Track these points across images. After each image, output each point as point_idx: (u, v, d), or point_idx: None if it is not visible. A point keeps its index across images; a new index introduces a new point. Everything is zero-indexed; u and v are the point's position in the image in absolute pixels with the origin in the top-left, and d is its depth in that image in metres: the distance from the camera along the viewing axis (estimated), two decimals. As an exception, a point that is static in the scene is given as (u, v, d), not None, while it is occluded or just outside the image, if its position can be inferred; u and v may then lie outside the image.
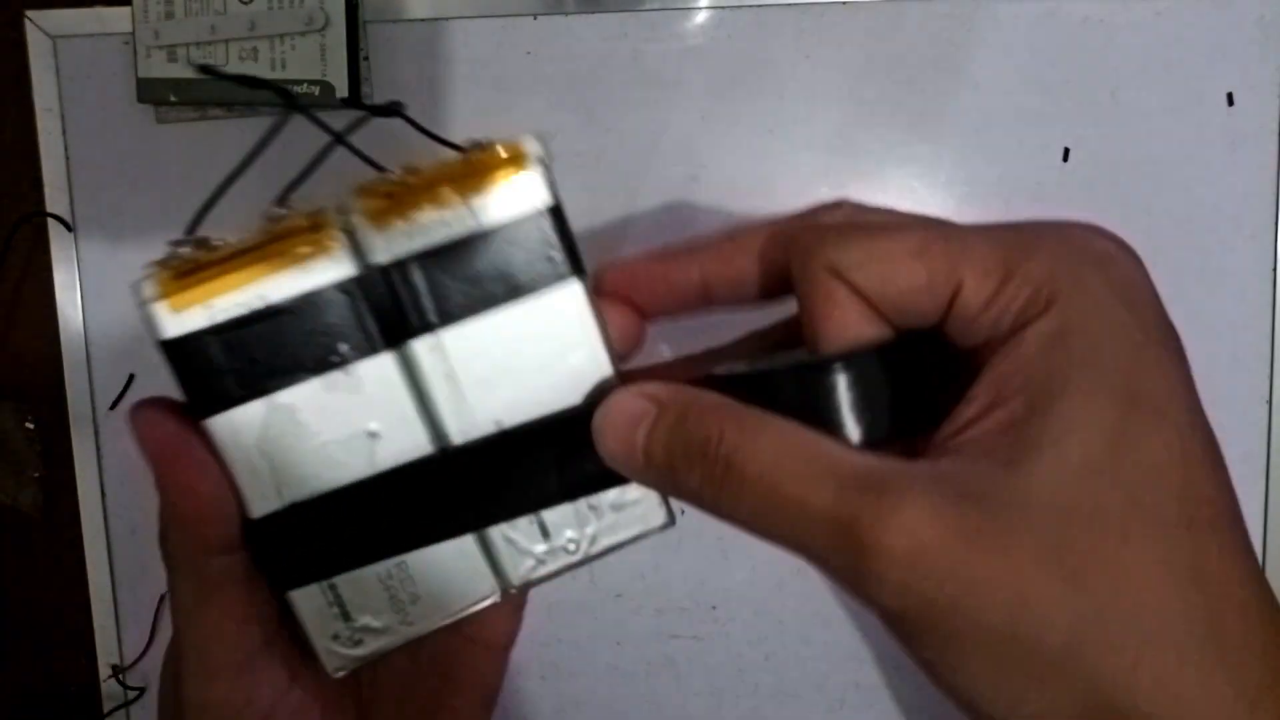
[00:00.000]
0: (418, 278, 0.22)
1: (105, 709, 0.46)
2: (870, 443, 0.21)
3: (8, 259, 0.44)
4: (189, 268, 0.23)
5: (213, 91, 0.41)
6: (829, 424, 0.21)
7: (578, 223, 0.44)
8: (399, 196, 0.23)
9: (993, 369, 0.19)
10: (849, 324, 0.21)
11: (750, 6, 0.40)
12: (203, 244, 0.24)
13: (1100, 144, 0.40)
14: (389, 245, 0.22)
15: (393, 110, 0.25)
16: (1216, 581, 0.18)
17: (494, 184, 0.22)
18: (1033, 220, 0.21)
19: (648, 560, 0.43)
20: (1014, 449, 0.18)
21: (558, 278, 0.23)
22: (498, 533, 0.24)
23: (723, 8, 0.40)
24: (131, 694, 0.46)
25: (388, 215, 0.23)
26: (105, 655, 0.46)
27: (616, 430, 0.22)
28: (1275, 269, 0.40)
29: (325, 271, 0.22)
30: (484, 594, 0.24)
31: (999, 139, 0.40)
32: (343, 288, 0.22)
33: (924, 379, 0.22)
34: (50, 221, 0.44)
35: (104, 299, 0.44)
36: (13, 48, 0.43)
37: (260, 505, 0.23)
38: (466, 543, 0.24)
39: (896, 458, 0.19)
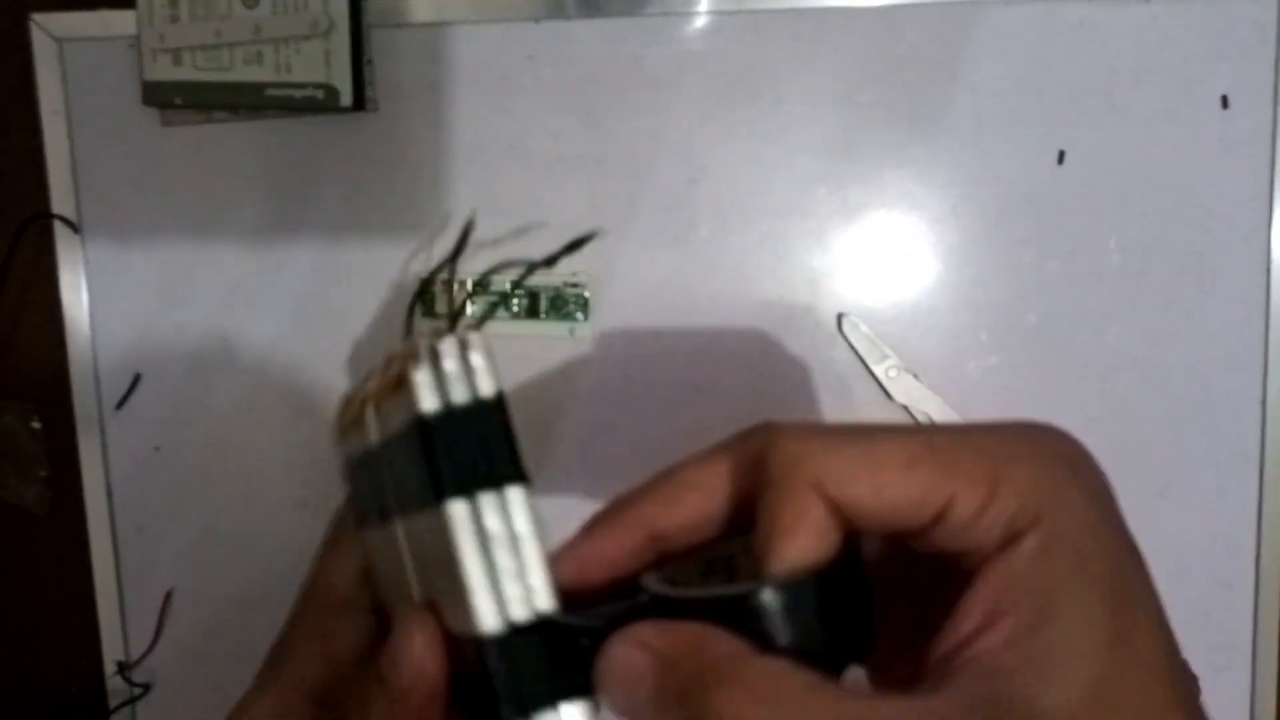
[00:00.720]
0: (385, 463, 0.23)
1: (111, 705, 0.46)
2: (846, 662, 0.20)
3: (14, 261, 0.45)
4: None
5: (218, 95, 0.41)
6: (807, 652, 0.19)
7: (578, 225, 0.44)
8: (390, 385, 0.22)
9: (987, 582, 0.20)
10: (815, 542, 0.20)
11: (749, 12, 0.41)
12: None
13: (1095, 146, 0.41)
14: (378, 430, 0.24)
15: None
16: None
17: (399, 389, 0.21)
18: (1000, 422, 0.21)
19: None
20: (1029, 667, 0.19)
21: (434, 496, 0.21)
22: None
23: (722, 13, 0.41)
24: (137, 690, 0.46)
25: (380, 402, 0.23)
26: (111, 652, 0.46)
27: (620, 688, 0.20)
28: (1269, 270, 0.41)
29: (361, 442, 0.25)
30: None
31: (995, 142, 0.41)
32: (363, 459, 0.25)
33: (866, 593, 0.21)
34: (56, 223, 0.44)
35: (110, 300, 0.45)
36: (18, 50, 0.44)
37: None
38: None
39: (916, 693, 0.19)
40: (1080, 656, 0.19)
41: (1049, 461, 0.21)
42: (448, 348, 0.21)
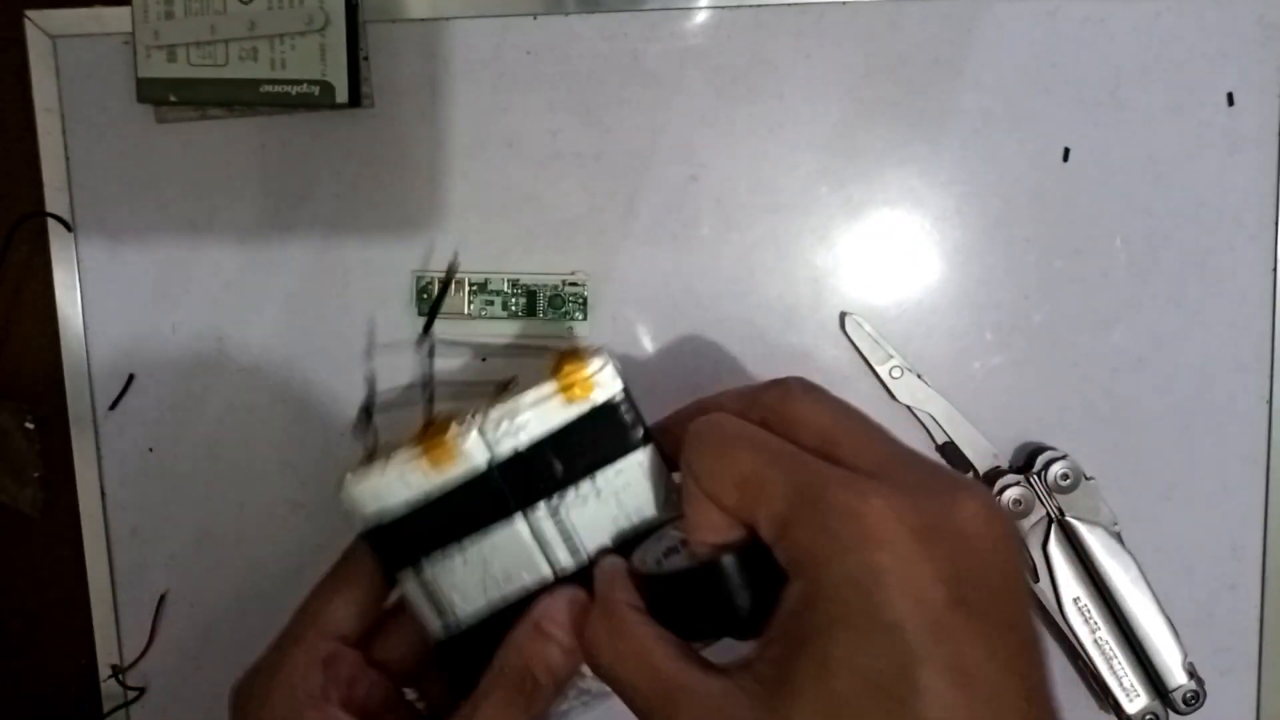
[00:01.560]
0: (535, 461, 0.31)
1: (105, 709, 0.46)
2: (711, 636, 0.27)
3: (7, 259, 0.44)
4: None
5: (213, 92, 0.41)
6: (687, 618, 0.27)
7: (578, 222, 0.44)
8: (508, 403, 0.31)
9: (781, 605, 0.24)
10: (708, 524, 0.26)
11: (750, 6, 0.40)
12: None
13: (1101, 144, 0.40)
14: (510, 440, 0.31)
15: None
16: None
17: (584, 384, 0.31)
18: (826, 472, 0.24)
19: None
20: (773, 682, 0.23)
21: (636, 444, 0.31)
22: None
23: (722, 7, 0.40)
24: (131, 694, 0.46)
25: (504, 419, 0.31)
26: (105, 655, 0.46)
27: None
28: (1275, 269, 0.40)
29: (474, 460, 0.31)
30: None
31: (999, 139, 0.40)
32: (479, 477, 0.31)
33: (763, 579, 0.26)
34: (50, 221, 0.44)
35: (104, 299, 0.44)
36: (13, 47, 0.43)
37: (436, 632, 0.32)
38: None
39: (702, 667, 0.25)
40: (808, 691, 0.22)
41: (830, 530, 0.23)
42: (600, 355, 0.32)
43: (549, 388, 0.31)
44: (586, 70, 0.41)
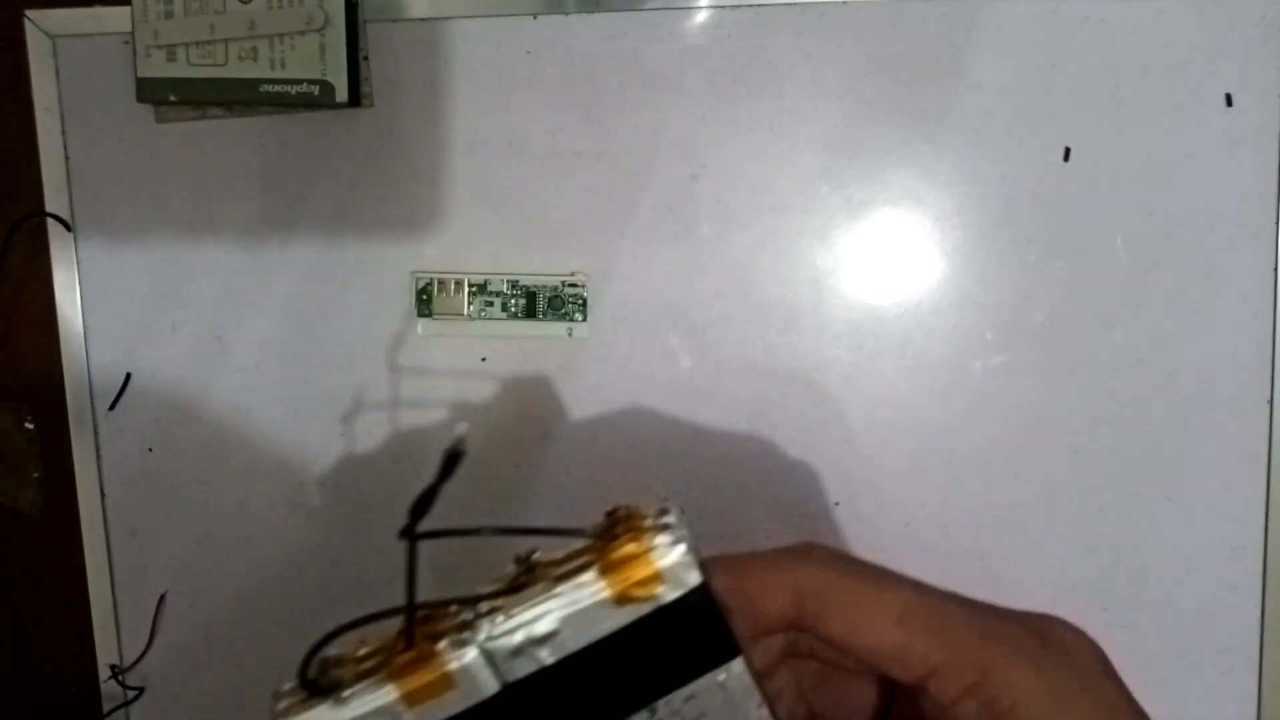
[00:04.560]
0: (567, 683, 0.20)
1: (105, 709, 0.46)
2: None
3: (7, 259, 0.44)
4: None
5: (212, 91, 0.41)
6: None
7: (578, 222, 0.44)
8: (525, 600, 0.20)
9: None
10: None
11: (750, 6, 0.40)
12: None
13: (1101, 144, 0.40)
14: (529, 658, 0.20)
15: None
16: None
17: (645, 580, 0.20)
18: (1010, 611, 0.22)
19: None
20: None
21: (718, 657, 0.21)
22: None
23: (722, 7, 0.40)
24: (131, 694, 0.46)
25: (519, 627, 0.20)
26: (105, 655, 0.46)
27: None
28: (1276, 269, 0.40)
29: (461, 696, 0.20)
30: None
31: (999, 139, 0.40)
32: (483, 709, 0.20)
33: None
34: (50, 221, 0.44)
35: (103, 299, 0.44)
36: (12, 47, 0.43)
37: None
38: None
39: None
40: None
41: (1043, 676, 0.21)
42: (667, 521, 0.21)
43: (591, 580, 0.20)
44: (586, 70, 0.41)
